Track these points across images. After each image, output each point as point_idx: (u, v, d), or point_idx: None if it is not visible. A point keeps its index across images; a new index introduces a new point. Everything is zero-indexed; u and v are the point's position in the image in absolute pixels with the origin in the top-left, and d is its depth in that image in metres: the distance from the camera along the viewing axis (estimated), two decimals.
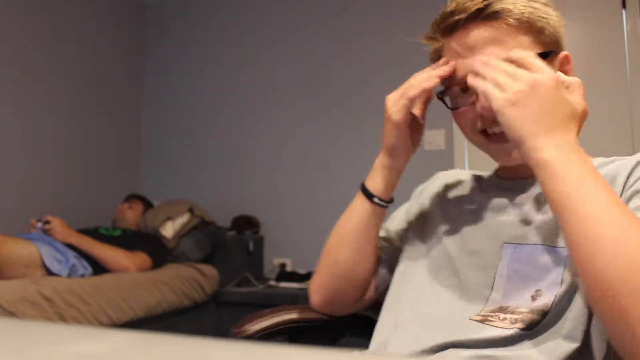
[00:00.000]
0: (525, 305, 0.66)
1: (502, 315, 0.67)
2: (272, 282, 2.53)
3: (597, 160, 0.73)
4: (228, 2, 3.15)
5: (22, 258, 1.88)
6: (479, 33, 0.68)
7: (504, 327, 0.65)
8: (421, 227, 0.86)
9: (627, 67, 1.96)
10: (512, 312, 0.67)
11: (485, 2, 0.67)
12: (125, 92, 3.25)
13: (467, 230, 0.78)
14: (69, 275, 1.94)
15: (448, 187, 0.89)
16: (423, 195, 0.91)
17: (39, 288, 1.67)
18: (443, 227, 0.81)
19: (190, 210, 2.67)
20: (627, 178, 0.66)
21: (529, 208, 0.72)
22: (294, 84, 2.91)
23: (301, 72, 2.89)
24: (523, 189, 0.74)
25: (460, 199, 0.84)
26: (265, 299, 2.32)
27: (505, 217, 0.74)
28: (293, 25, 2.96)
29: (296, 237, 2.76)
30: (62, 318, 1.68)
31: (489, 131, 0.71)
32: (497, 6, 0.67)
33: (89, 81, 2.97)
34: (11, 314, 1.54)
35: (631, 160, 0.68)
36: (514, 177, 0.78)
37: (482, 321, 0.68)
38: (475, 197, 0.81)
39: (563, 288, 0.65)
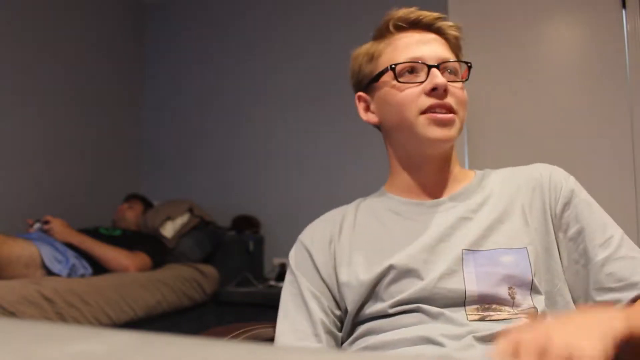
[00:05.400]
0: (506, 301, 0.69)
1: (492, 313, 0.69)
2: (272, 282, 2.53)
3: (500, 169, 0.85)
4: (228, 3, 3.15)
5: (22, 258, 1.88)
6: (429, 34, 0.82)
7: (510, 318, 0.68)
8: (360, 267, 0.80)
9: (627, 67, 1.96)
10: (500, 310, 0.69)
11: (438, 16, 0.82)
12: (125, 92, 3.25)
13: (421, 250, 0.76)
14: (69, 275, 1.93)
15: (356, 223, 0.86)
16: (333, 238, 0.88)
17: (39, 288, 1.67)
18: (392, 254, 0.77)
19: (190, 210, 2.67)
20: (549, 182, 0.78)
21: (469, 219, 0.77)
22: (295, 85, 2.91)
23: (304, 73, 2.88)
24: (445, 206, 0.80)
25: (384, 224, 0.83)
26: (265, 299, 2.31)
27: (451, 230, 0.77)
28: (295, 26, 2.96)
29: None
30: (62, 318, 1.68)
31: (438, 115, 0.76)
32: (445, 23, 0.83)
33: (89, 81, 2.97)
34: (11, 314, 1.54)
35: (545, 170, 0.80)
36: (427, 198, 0.82)
37: (481, 319, 0.68)
38: (399, 219, 0.82)
39: (536, 283, 0.70)
